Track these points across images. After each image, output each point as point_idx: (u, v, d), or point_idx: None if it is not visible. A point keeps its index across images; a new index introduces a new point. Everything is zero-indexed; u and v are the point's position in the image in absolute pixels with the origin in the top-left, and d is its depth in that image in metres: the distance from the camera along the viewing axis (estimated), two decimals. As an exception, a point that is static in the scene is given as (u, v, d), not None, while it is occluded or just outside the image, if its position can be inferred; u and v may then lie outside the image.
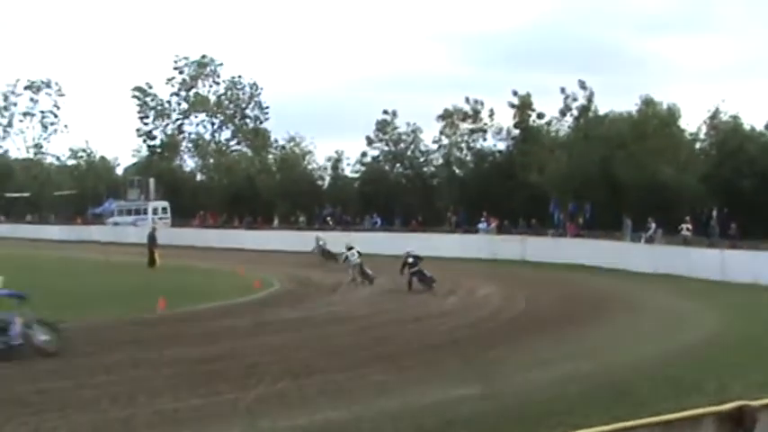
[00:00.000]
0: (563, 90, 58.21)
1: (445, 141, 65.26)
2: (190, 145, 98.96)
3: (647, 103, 54.03)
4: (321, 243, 46.76)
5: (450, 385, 14.49)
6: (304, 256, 46.74)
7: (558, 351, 18.37)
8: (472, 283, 33.75)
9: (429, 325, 22.84)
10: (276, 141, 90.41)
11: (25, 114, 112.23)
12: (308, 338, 20.08)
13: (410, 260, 32.39)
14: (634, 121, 54.04)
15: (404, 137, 68.56)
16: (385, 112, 69.27)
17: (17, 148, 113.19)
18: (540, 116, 61.53)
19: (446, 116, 64.58)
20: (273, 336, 20.26)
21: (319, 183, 74.46)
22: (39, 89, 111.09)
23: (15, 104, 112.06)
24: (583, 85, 57.51)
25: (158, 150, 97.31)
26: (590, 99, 57.79)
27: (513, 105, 61.67)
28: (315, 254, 46.34)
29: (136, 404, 13.05)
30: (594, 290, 32.47)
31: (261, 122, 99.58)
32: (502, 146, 63.34)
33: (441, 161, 66.37)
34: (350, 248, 35.93)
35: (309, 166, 76.54)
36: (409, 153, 68.15)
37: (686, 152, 53.32)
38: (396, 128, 69.02)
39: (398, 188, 65.55)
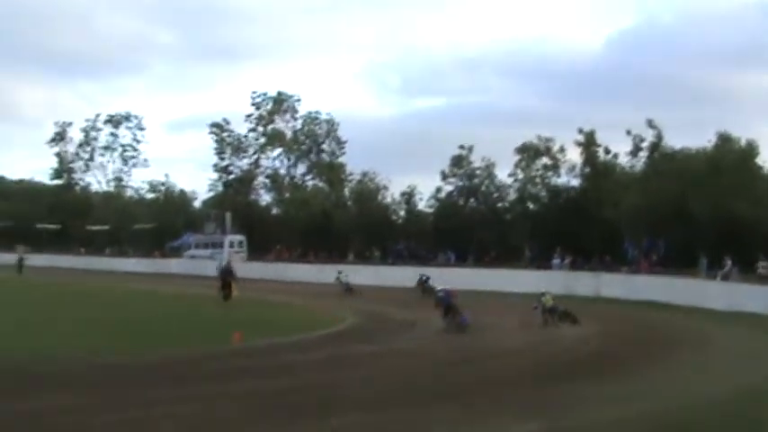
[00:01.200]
0: (629, 132, 58.30)
1: (520, 176, 65.26)
2: (266, 180, 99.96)
3: (725, 138, 53.56)
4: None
5: (518, 421, 14.63)
6: (380, 290, 47.23)
7: (627, 389, 18.31)
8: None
9: (501, 362, 22.92)
10: (351, 175, 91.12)
11: (106, 148, 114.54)
12: (381, 373, 20.30)
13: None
14: (709, 156, 53.51)
15: (478, 171, 68.64)
16: (461, 147, 69.48)
17: (98, 182, 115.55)
18: (608, 152, 61.46)
19: (521, 151, 64.65)
20: (347, 370, 20.50)
21: (394, 217, 74.71)
22: (119, 123, 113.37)
23: (96, 139, 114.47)
24: (651, 124, 57.36)
25: (235, 185, 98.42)
26: (659, 136, 57.55)
27: (579, 143, 61.67)
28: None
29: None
30: (668, 327, 32.29)
31: (337, 157, 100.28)
32: (575, 182, 63.27)
33: (515, 196, 66.35)
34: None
35: (384, 201, 76.90)
36: (483, 188, 68.20)
37: (763, 188, 52.64)
38: (471, 162, 69.16)
39: (472, 223, 65.54)
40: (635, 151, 58.89)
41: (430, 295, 44.17)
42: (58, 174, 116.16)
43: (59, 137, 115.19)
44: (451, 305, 30.90)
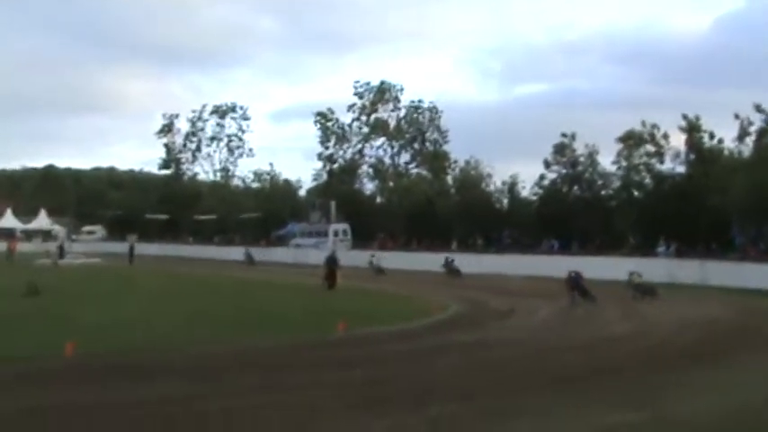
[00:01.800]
0: (737, 116, 57.02)
1: (623, 164, 64.55)
2: (369, 168, 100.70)
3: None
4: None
5: (616, 411, 14.60)
6: (481, 278, 47.38)
7: (730, 378, 18.15)
8: (648, 308, 33.57)
9: (601, 350, 22.79)
10: (456, 163, 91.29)
11: (212, 139, 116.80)
12: (480, 362, 20.40)
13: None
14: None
15: (581, 159, 68.09)
16: (563, 135, 69.01)
17: (205, 172, 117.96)
18: (712, 136, 60.39)
19: (625, 139, 63.92)
20: (447, 359, 20.61)
21: (497, 206, 74.56)
22: (225, 114, 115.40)
23: (203, 129, 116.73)
24: (759, 109, 56.04)
25: (339, 174, 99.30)
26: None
27: (683, 129, 60.72)
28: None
29: (313, 424, 13.75)
30: (775, 316, 31.80)
31: (440, 145, 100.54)
32: (681, 168, 62.31)
33: (619, 184, 65.67)
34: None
35: (487, 189, 76.78)
36: (587, 175, 67.64)
37: None
38: (574, 150, 68.65)
39: (576, 211, 65.08)
40: (742, 136, 57.70)
41: (455, 276, 45.19)
42: (166, 164, 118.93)
43: (167, 128, 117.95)
44: (580, 285, 36.45)
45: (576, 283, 36.58)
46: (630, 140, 63.56)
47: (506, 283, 45.54)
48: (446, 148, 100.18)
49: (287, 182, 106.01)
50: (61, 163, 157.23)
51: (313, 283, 43.21)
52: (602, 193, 67.36)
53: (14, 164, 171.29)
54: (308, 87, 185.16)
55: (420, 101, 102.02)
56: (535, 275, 42.85)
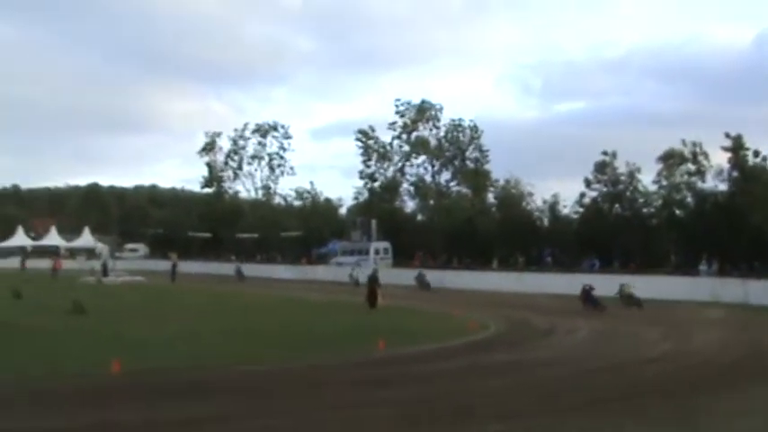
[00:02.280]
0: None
1: (664, 183, 64.35)
2: (410, 187, 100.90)
3: None
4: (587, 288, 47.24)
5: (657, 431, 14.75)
6: (523, 297, 47.46)
7: (770, 400, 18.21)
8: (690, 327, 33.51)
9: (642, 370, 22.71)
10: (497, 182, 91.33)
11: (254, 157, 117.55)
12: (520, 382, 20.48)
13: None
14: None
15: (622, 177, 67.94)
16: (604, 153, 68.93)
17: (246, 190, 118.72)
18: (757, 154, 60.01)
19: (666, 158, 63.76)
20: (486, 379, 20.73)
21: (538, 224, 74.52)
22: (266, 133, 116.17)
23: (244, 148, 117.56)
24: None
25: (380, 192, 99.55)
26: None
27: (726, 148, 60.43)
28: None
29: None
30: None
31: (481, 164, 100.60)
32: (723, 186, 62.01)
33: (660, 202, 65.44)
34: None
35: (528, 207, 76.81)
36: (627, 194, 67.48)
37: None
38: (615, 168, 68.54)
39: (616, 229, 64.92)
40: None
41: (426, 289, 46.40)
42: (208, 182, 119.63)
43: (209, 146, 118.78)
44: (591, 297, 41.62)
45: (588, 296, 41.85)
46: (671, 159, 63.40)
47: (547, 302, 45.55)
48: (488, 167, 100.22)
49: (328, 200, 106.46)
50: (104, 181, 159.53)
51: (355, 302, 43.50)
52: (644, 211, 67.15)
53: (59, 182, 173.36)
54: (347, 105, 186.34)
55: (460, 119, 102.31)
56: (576, 294, 42.81)
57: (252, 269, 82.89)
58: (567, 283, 48.96)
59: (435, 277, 61.49)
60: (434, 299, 49.53)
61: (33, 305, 40.14)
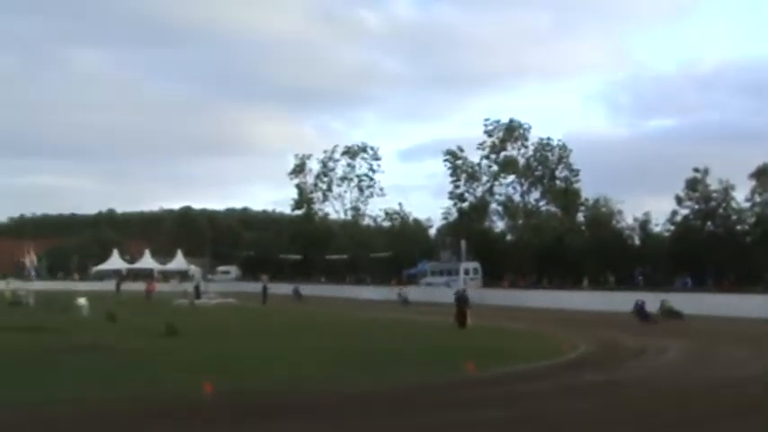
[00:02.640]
0: None
1: (758, 199, 63.41)
2: (499, 206, 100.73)
3: None
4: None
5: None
6: (614, 317, 47.11)
7: None
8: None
9: (732, 392, 22.47)
10: (587, 200, 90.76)
11: (343, 179, 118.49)
12: (610, 403, 20.41)
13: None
14: None
15: (714, 194, 67.08)
16: (696, 170, 68.17)
17: (336, 211, 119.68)
18: None
19: (759, 174, 62.85)
20: (576, 400, 20.73)
21: (629, 242, 73.87)
22: (356, 154, 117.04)
23: (334, 170, 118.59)
24: None
25: (469, 212, 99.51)
26: None
27: None
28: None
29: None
30: None
31: (571, 183, 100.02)
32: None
33: (753, 219, 64.43)
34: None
35: (618, 225, 76.21)
36: (720, 211, 66.58)
37: None
38: (707, 185, 67.76)
39: (709, 247, 64.04)
40: None
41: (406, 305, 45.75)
42: (298, 204, 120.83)
43: (299, 169, 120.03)
44: (643, 311, 44.82)
45: (641, 309, 44.94)
46: (765, 176, 62.45)
47: (637, 322, 45.16)
48: (577, 186, 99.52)
49: (417, 221, 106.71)
50: (197, 204, 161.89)
51: (445, 322, 43.65)
52: (737, 228, 66.15)
53: (153, 206, 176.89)
54: (436, 126, 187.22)
55: (549, 138, 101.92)
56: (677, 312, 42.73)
57: (341, 290, 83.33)
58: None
59: (525, 297, 61.22)
60: (525, 318, 49.37)
61: (127, 328, 40.97)
